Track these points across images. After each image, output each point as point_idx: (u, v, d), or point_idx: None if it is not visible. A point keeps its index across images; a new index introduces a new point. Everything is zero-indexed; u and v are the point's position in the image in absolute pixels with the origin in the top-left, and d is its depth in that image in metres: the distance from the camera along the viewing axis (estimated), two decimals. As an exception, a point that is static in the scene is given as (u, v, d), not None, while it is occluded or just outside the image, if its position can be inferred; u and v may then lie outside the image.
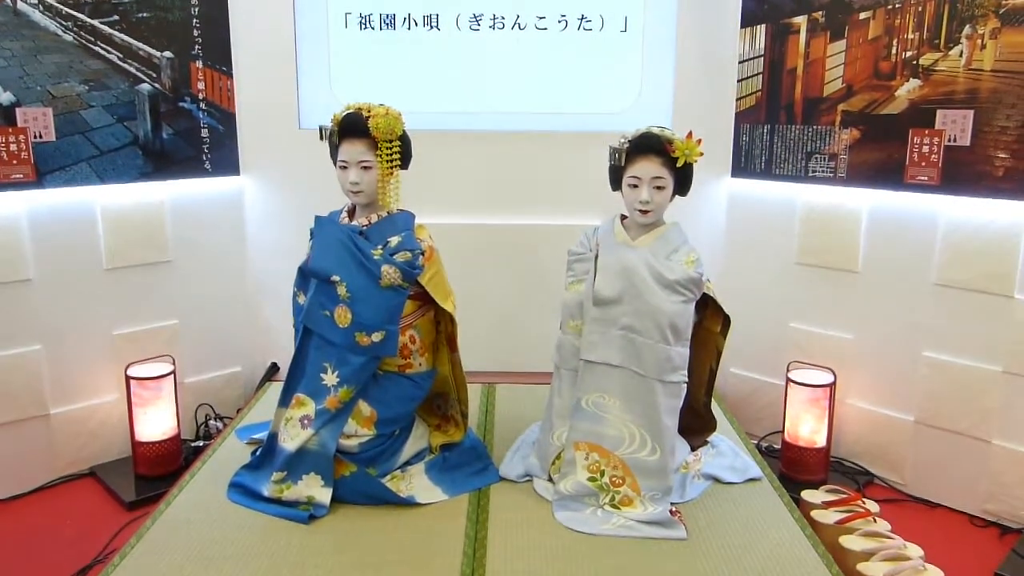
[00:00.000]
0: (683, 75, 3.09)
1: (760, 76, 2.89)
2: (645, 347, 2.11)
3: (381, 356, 2.18)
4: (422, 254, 2.22)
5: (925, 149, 2.50)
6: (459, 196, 3.15)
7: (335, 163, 2.26)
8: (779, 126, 2.84)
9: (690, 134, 2.15)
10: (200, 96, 2.91)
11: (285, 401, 2.21)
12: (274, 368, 3.20)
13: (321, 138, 2.26)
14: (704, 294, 2.23)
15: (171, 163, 2.85)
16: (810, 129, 2.76)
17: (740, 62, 2.93)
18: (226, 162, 3.00)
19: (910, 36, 2.54)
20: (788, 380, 2.67)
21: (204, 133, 2.92)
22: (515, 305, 3.19)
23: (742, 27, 2.91)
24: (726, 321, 2.32)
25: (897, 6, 2.57)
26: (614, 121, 3.10)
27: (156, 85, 2.79)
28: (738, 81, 2.95)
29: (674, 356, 2.12)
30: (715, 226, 3.10)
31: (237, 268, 3.11)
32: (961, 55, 2.45)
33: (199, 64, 2.90)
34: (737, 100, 2.96)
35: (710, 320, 2.34)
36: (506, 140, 3.13)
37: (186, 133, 2.89)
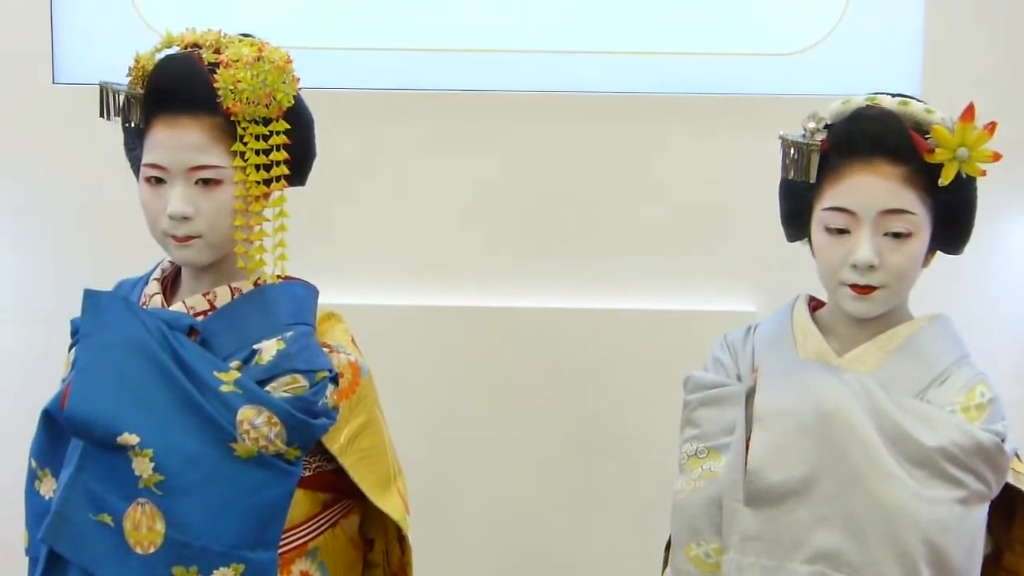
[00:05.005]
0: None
1: None
2: (869, 604, 1.84)
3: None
4: (333, 381, 2.06)
5: None
6: (423, 246, 2.93)
7: (135, 169, 2.08)
8: None
9: (969, 110, 2.00)
10: None
11: None
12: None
13: (102, 113, 2.07)
14: (1008, 485, 1.99)
15: None
16: None
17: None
18: None
19: None
20: None
21: None
22: (548, 492, 2.95)
23: None
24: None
25: None
26: (785, 76, 2.88)
27: None
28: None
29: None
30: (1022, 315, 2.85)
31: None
32: None
33: None
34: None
35: (1022, 549, 2.11)
36: (533, 114, 2.87)
37: None
